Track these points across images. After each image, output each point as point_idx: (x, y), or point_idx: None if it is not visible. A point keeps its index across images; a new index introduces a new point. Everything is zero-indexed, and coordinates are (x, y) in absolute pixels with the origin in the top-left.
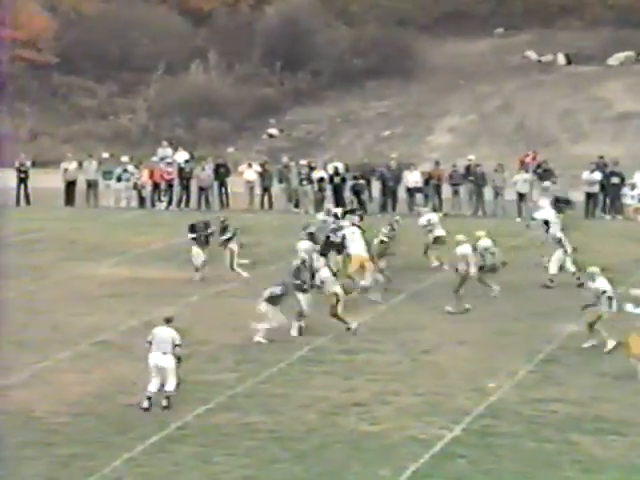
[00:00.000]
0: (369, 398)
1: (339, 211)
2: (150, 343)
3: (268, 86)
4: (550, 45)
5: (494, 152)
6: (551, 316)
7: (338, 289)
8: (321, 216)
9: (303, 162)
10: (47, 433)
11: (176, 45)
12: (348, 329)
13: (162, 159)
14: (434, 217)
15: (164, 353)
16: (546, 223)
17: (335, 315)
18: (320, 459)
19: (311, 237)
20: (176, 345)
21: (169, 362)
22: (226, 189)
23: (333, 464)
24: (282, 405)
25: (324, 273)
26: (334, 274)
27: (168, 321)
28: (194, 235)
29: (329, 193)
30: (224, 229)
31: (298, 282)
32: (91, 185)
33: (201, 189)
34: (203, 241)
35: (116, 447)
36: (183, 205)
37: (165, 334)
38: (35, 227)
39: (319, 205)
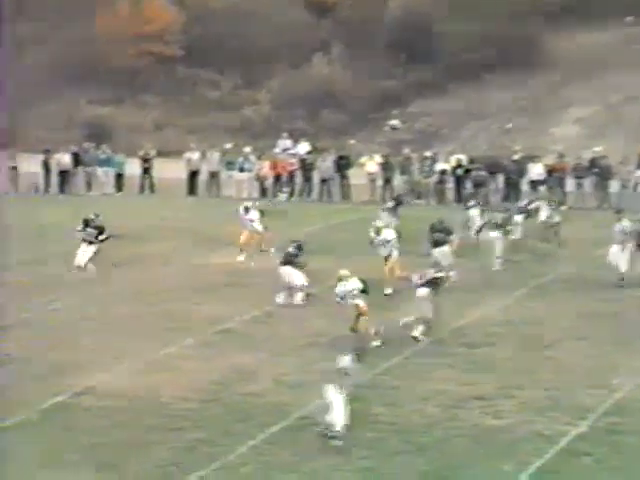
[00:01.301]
0: (490, 392)
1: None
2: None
3: (391, 78)
4: None
5: (620, 144)
6: None
7: (361, 301)
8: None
9: (427, 154)
10: (172, 418)
11: (300, 37)
12: (379, 345)
13: (283, 150)
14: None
15: (334, 385)
16: None
17: (353, 329)
18: (442, 452)
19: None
20: (343, 371)
21: (332, 393)
22: (347, 181)
23: (455, 458)
24: (402, 397)
25: (352, 284)
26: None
27: (357, 352)
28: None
29: (451, 185)
30: (100, 228)
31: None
32: (213, 175)
33: (323, 181)
34: (286, 260)
35: (239, 434)
36: (305, 196)
37: (340, 363)
38: (158, 216)
39: (440, 197)
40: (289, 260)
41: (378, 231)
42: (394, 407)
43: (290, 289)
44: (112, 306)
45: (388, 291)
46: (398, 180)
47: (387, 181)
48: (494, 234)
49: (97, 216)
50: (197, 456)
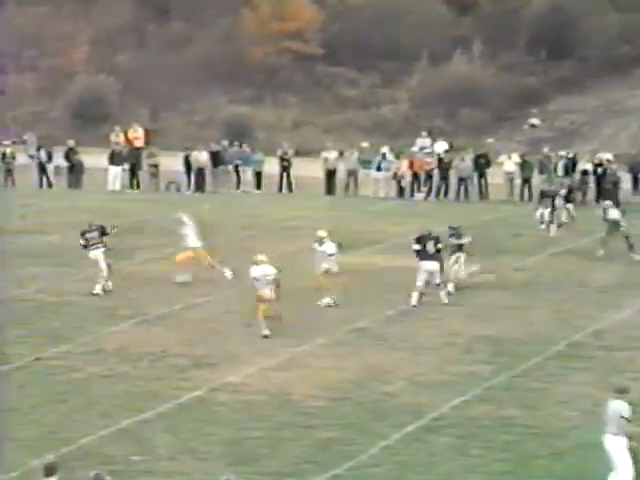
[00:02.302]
0: (631, 397)
1: None
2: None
3: (532, 75)
4: None
5: None
6: None
7: (267, 291)
8: None
9: (562, 153)
10: (305, 416)
11: (440, 34)
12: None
13: (421, 149)
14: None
15: (614, 434)
16: None
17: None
18: (580, 458)
19: None
20: (622, 417)
21: (615, 446)
22: (485, 180)
23: (594, 464)
24: (539, 400)
25: (266, 269)
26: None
27: (621, 392)
28: (417, 247)
29: (592, 185)
30: (100, 229)
31: None
32: (351, 174)
33: (460, 180)
34: (430, 254)
35: (372, 434)
36: (442, 196)
37: (612, 409)
38: (296, 214)
39: (582, 197)
40: (434, 256)
41: (320, 242)
42: (531, 409)
43: (427, 286)
44: (251, 303)
45: (325, 301)
46: (537, 179)
47: (525, 180)
48: None
49: (91, 225)
50: (331, 454)
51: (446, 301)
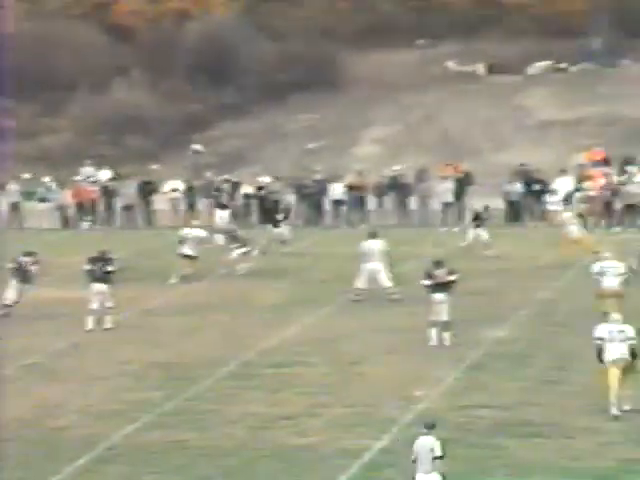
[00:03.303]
0: (298, 411)
1: None
2: (414, 461)
3: (193, 102)
4: (472, 56)
5: (419, 162)
6: (476, 323)
7: None
8: None
9: (225, 177)
10: None
11: (99, 62)
12: None
13: (86, 178)
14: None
15: (426, 472)
16: None
17: None
18: (250, 474)
19: None
20: (435, 458)
21: None
22: (151, 206)
23: (263, 479)
24: (210, 421)
25: None
26: None
27: (430, 427)
28: (89, 267)
29: (255, 208)
30: None
31: None
32: (14, 207)
33: (125, 207)
34: (99, 276)
35: (45, 471)
36: (107, 224)
37: (422, 446)
38: None
39: (244, 219)
40: (103, 277)
41: None
42: (203, 431)
43: (99, 311)
44: None
45: None
46: (203, 204)
47: (191, 206)
48: None
49: None
50: None
51: (110, 325)
